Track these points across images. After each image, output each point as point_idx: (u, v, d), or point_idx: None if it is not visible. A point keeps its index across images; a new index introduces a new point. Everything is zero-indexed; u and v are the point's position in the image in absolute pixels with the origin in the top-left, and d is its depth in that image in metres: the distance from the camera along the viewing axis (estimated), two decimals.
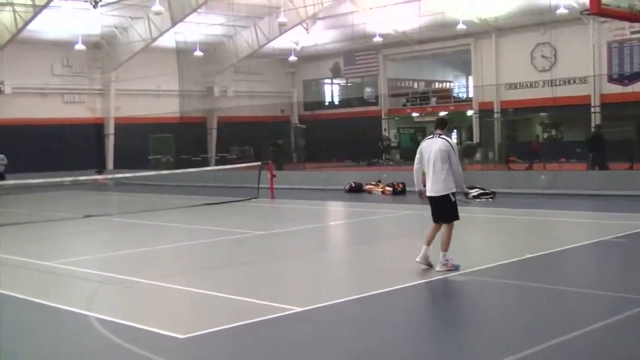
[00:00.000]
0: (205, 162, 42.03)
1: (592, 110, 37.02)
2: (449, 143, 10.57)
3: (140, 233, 17.09)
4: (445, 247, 10.51)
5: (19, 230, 17.82)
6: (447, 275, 10.25)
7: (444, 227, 10.65)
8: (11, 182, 24.52)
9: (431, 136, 10.79)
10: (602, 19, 31.15)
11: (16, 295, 10.01)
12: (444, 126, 10.87)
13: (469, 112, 43.71)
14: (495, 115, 40.14)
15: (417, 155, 10.81)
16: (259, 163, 26.78)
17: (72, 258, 13.07)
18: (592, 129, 28.88)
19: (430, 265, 10.60)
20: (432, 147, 10.57)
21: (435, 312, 8.79)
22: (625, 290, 9.39)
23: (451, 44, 43.15)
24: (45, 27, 37.25)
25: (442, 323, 8.28)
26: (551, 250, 12.30)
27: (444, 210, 10.64)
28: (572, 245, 12.85)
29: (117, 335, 7.75)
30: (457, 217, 10.70)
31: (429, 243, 10.66)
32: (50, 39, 39.18)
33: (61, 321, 8.75)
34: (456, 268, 10.48)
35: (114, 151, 42.60)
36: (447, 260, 10.51)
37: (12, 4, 34.31)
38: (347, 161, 41.93)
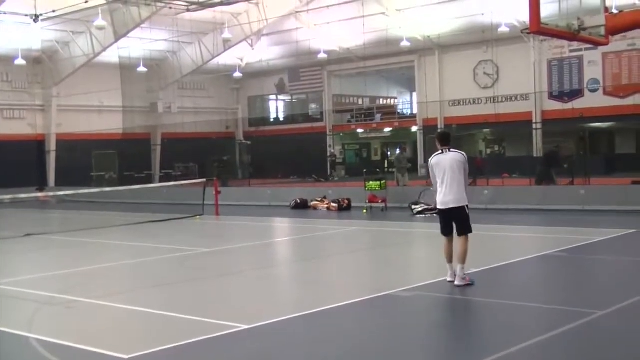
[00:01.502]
0: (149, 179, 41.65)
1: (534, 126, 37.74)
2: (464, 155, 10.67)
3: (82, 251, 16.80)
4: (464, 259, 10.47)
5: None
6: (392, 291, 10.28)
7: (461, 240, 10.58)
8: None
9: (439, 152, 10.68)
10: (542, 37, 31.81)
11: None
12: (449, 139, 10.81)
13: (414, 129, 44.18)
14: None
15: (431, 173, 10.76)
16: (204, 180, 26.61)
17: (12, 278, 12.77)
18: (551, 147, 29.52)
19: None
20: (445, 161, 10.53)
21: (379, 329, 8.79)
22: (567, 303, 9.56)
23: (395, 60, 43.63)
24: None
25: (386, 339, 8.28)
26: (495, 265, 12.44)
27: (462, 222, 10.62)
28: (515, 260, 13.04)
29: (60, 357, 7.59)
30: (471, 229, 10.71)
31: (452, 259, 10.61)
32: None
33: (3, 344, 8.52)
34: (473, 283, 10.51)
35: (55, 168, 41.87)
36: (465, 275, 10.53)
37: None
38: (292, 177, 41.94)
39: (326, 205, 25.58)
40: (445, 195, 10.55)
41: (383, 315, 9.35)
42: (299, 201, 26.63)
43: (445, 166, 10.50)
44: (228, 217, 23.90)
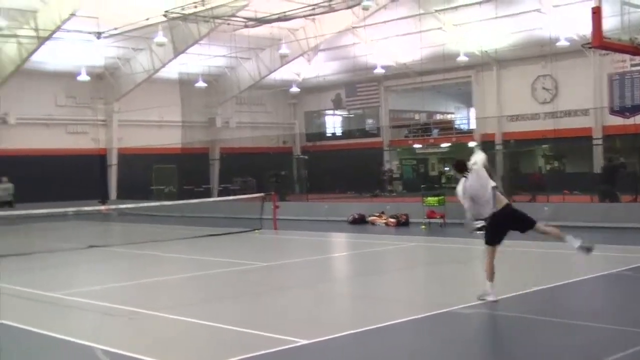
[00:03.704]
0: (207, 193, 42.06)
1: (594, 142, 37.07)
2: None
3: (143, 264, 17.05)
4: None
5: (23, 261, 17.77)
6: (452, 308, 10.19)
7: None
8: (15, 212, 24.48)
9: (463, 176, 10.77)
10: (603, 51, 31.31)
11: (21, 326, 9.97)
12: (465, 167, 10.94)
13: (471, 144, 43.77)
14: (497, 147, 40.18)
15: (462, 194, 10.79)
16: (262, 194, 26.75)
17: (76, 289, 13.05)
18: (612, 163, 28.65)
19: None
20: (475, 181, 10.63)
21: (439, 346, 8.71)
22: (634, 324, 9.33)
23: (452, 75, 43.30)
24: (49, 58, 37.44)
25: (446, 357, 8.20)
26: (558, 283, 12.25)
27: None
28: (579, 278, 12.81)
29: None
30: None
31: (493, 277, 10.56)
32: (54, 70, 39.37)
33: (66, 353, 8.70)
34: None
35: (117, 182, 42.62)
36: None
37: (16, 36, 34.51)
38: (349, 192, 41.90)
39: (384, 221, 25.50)
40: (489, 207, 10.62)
41: (443, 332, 9.27)
42: (357, 216, 26.60)
43: (479, 186, 10.60)
44: (286, 231, 23.99)
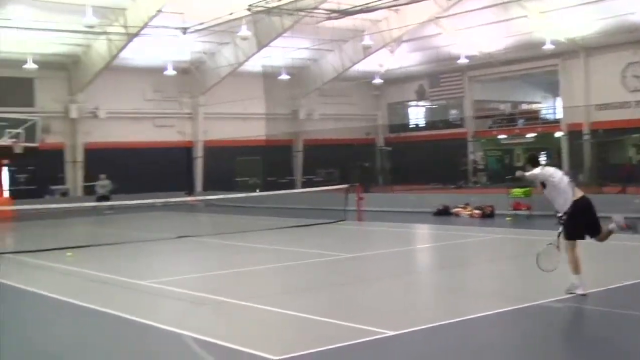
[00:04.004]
0: (291, 185, 42.44)
1: None
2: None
3: (230, 254, 17.34)
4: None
5: (114, 250, 18.32)
6: (541, 301, 10.04)
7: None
8: (106, 203, 25.19)
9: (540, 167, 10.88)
10: None
11: (112, 312, 10.32)
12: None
13: (558, 134, 42.88)
14: (585, 137, 39.25)
15: (538, 173, 10.78)
16: (347, 185, 26.81)
17: (165, 277, 13.36)
18: None
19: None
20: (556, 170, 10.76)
21: (528, 340, 8.59)
22: None
23: (538, 64, 42.52)
24: (137, 54, 38.41)
25: (535, 352, 8.09)
26: None
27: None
28: None
29: (212, 355, 7.87)
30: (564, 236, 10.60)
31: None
32: (142, 65, 40.37)
33: (156, 339, 8.94)
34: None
35: (202, 173, 43.42)
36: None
37: (106, 33, 35.48)
38: (433, 184, 41.63)
39: (469, 212, 25.26)
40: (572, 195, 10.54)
41: (532, 326, 9.14)
42: (441, 208, 26.41)
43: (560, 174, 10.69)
44: (371, 222, 24.00)
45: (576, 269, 10.30)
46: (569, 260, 10.37)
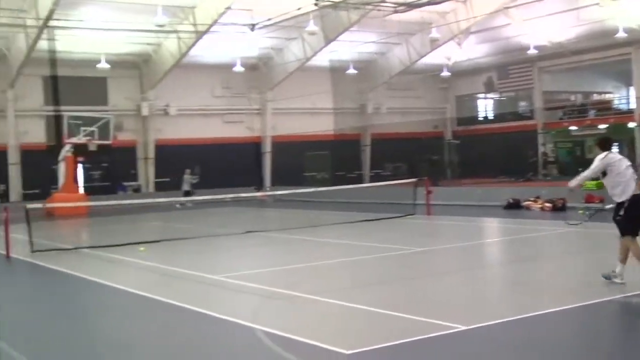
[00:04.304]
0: (359, 179, 42.46)
1: None
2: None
3: (299, 248, 17.48)
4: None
5: (185, 245, 18.66)
6: (617, 296, 9.87)
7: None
8: (175, 199, 25.63)
9: (608, 152, 10.77)
10: None
11: (185, 305, 10.52)
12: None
13: (631, 125, 41.85)
14: None
15: (601, 165, 10.64)
16: (415, 179, 26.71)
17: (237, 272, 13.55)
18: None
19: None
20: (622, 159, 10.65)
21: (605, 337, 8.46)
22: None
23: (610, 53, 41.52)
24: (206, 51, 38.96)
25: (614, 349, 7.97)
26: None
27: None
28: None
29: (285, 349, 7.95)
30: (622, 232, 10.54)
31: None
32: (211, 62, 40.94)
33: (229, 332, 9.08)
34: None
35: (271, 168, 43.78)
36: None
37: (176, 31, 36.06)
38: (502, 177, 41.12)
39: (540, 205, 24.90)
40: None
41: (610, 322, 9.00)
42: (511, 201, 26.10)
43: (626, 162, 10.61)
44: (440, 216, 23.87)
45: (623, 259, 10.34)
46: (620, 250, 10.41)
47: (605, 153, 10.68)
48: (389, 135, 45.55)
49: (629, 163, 10.66)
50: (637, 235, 10.41)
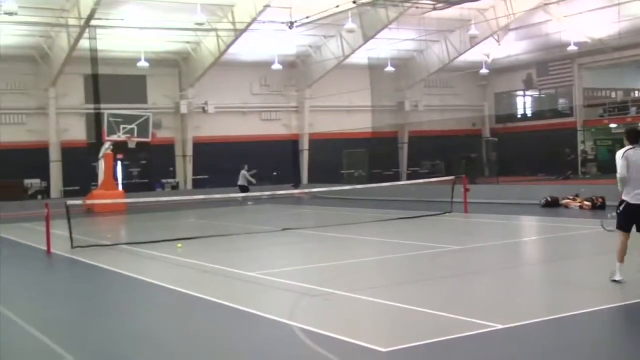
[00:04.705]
0: (397, 177, 42.39)
1: None
2: None
3: (336, 246, 17.49)
4: None
5: (222, 242, 18.80)
6: None
7: None
8: (216, 195, 25.78)
9: (631, 147, 10.64)
10: None
11: (221, 302, 10.62)
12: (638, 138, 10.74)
13: None
14: None
15: (624, 163, 10.57)
16: (453, 177, 26.58)
17: (272, 269, 13.60)
18: None
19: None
20: (638, 157, 10.47)
21: (634, 337, 8.37)
22: None
23: None
24: (244, 49, 39.17)
25: None
26: None
27: None
28: None
29: (322, 346, 7.97)
30: None
31: (623, 259, 10.53)
32: (249, 60, 41.15)
33: (266, 329, 9.13)
34: None
35: (308, 166, 43.86)
36: None
37: (215, 30, 36.29)
38: (540, 175, 40.74)
39: (579, 204, 24.66)
40: (636, 191, 10.46)
41: None
42: (549, 199, 25.86)
43: (638, 163, 10.42)
44: (477, 214, 23.73)
45: (621, 257, 10.51)
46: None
47: (626, 148, 10.64)
48: (426, 133, 45.37)
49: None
50: (628, 232, 10.63)
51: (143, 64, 37.53)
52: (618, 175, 10.64)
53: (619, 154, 10.62)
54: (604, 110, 46.63)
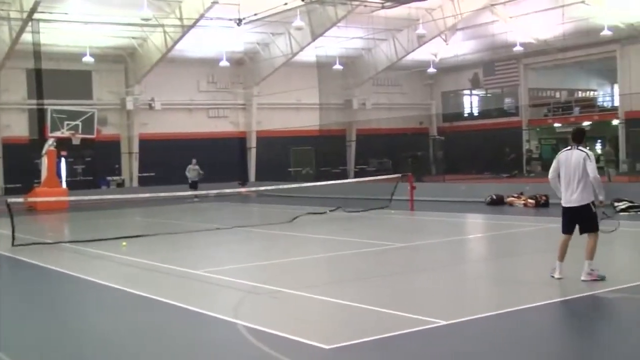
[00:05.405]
0: (344, 175, 42.48)
1: None
2: (586, 154, 10.59)
3: (282, 244, 17.45)
4: (591, 255, 10.48)
5: (168, 240, 18.62)
6: (596, 291, 9.93)
7: (589, 237, 10.61)
8: (163, 193, 25.51)
9: (568, 148, 10.80)
10: None
11: (167, 301, 10.48)
12: (582, 138, 10.86)
13: (615, 122, 42.09)
14: None
15: (555, 165, 10.83)
16: (399, 175, 26.75)
17: (219, 267, 13.50)
18: None
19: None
20: (572, 159, 10.59)
21: (580, 332, 8.50)
22: None
23: (595, 51, 41.68)
24: (192, 46, 38.81)
25: (591, 343, 8.00)
26: None
27: (587, 220, 10.64)
28: None
29: (265, 344, 7.95)
30: (598, 226, 10.67)
31: (563, 258, 10.70)
32: (197, 57, 40.81)
33: (211, 328, 9.07)
34: (602, 278, 10.37)
35: (255, 164, 43.71)
36: (592, 270, 10.43)
37: (162, 25, 35.90)
38: (486, 173, 41.26)
39: (523, 202, 25.00)
40: (571, 193, 10.62)
41: (585, 317, 9.05)
42: (494, 197, 26.19)
43: (570, 164, 10.59)
44: (423, 212, 23.90)
45: (560, 256, 10.81)
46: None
47: (563, 150, 10.91)
48: (374, 131, 45.55)
49: (573, 165, 10.58)
50: (566, 234, 10.86)
51: (88, 59, 36.88)
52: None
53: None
54: (548, 110, 47.38)
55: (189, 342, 8.32)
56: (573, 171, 10.54)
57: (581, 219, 10.63)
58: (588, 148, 11.05)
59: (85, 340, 8.72)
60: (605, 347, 7.70)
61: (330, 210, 24.58)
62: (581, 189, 10.49)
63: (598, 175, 10.50)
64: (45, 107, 34.86)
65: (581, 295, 9.83)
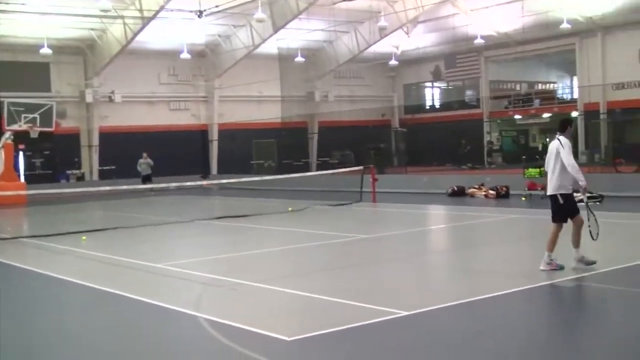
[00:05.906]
0: (306, 167, 42.46)
1: None
2: (560, 143, 10.68)
3: (244, 236, 17.39)
4: (550, 247, 10.62)
5: (128, 234, 18.43)
6: (553, 280, 10.04)
7: (554, 227, 10.74)
8: (123, 187, 25.25)
9: (557, 137, 10.97)
10: None
11: (127, 295, 10.39)
12: (563, 128, 10.96)
13: (574, 114, 42.59)
14: (602, 117, 38.96)
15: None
16: (361, 167, 26.80)
17: (180, 260, 13.41)
18: None
19: (592, 263, 10.65)
20: (551, 148, 10.85)
21: (539, 320, 8.58)
22: None
23: (555, 44, 42.15)
24: (152, 37, 38.43)
25: (551, 331, 8.10)
26: None
27: (555, 210, 10.82)
28: None
29: (226, 337, 7.92)
30: (562, 218, 10.77)
31: (552, 248, 10.63)
32: (158, 49, 40.42)
33: (171, 321, 9.00)
34: (561, 268, 10.50)
35: (217, 156, 43.50)
36: (551, 260, 10.59)
37: (122, 17, 35.50)
38: (448, 165, 41.53)
39: (484, 193, 25.21)
40: (549, 182, 10.92)
41: (543, 305, 9.15)
42: (456, 188, 26.37)
43: (550, 153, 10.86)
44: (385, 204, 24.00)
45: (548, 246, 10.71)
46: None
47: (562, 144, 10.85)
48: (336, 124, 45.56)
49: (549, 153, 10.83)
50: (554, 223, 10.83)
51: (46, 50, 36.26)
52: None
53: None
54: (509, 102, 47.82)
55: (149, 336, 8.27)
56: (549, 160, 10.79)
57: (561, 208, 10.76)
58: (572, 137, 11.13)
59: (43, 336, 8.59)
60: (563, 333, 7.79)
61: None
62: (556, 177, 10.67)
63: (573, 162, 10.53)
64: (2, 99, 34.22)
65: (540, 284, 9.92)
